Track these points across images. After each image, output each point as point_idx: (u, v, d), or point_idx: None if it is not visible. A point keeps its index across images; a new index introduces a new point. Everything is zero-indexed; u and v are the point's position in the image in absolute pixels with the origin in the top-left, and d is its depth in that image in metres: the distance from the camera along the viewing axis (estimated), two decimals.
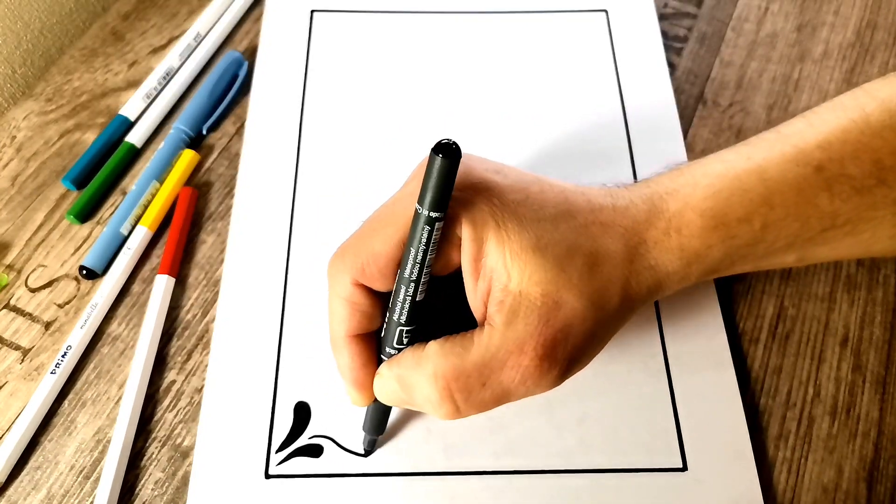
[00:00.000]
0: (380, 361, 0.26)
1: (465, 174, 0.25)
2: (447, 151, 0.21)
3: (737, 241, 0.26)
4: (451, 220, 0.24)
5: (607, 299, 0.25)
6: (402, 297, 0.24)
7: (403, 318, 0.24)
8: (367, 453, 0.30)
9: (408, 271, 0.23)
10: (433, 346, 0.24)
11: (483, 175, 0.25)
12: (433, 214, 0.22)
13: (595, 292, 0.24)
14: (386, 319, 0.25)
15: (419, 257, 0.23)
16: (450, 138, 0.21)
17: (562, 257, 0.24)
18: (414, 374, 0.24)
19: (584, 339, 0.24)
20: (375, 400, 0.27)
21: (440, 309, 0.26)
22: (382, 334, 0.26)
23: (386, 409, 0.28)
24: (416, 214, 0.23)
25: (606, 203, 0.26)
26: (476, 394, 0.24)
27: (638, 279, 0.26)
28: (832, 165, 0.26)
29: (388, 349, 0.25)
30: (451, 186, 0.22)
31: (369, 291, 0.25)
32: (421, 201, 0.22)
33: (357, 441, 0.30)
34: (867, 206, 0.26)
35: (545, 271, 0.24)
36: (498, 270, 0.24)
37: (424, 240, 0.23)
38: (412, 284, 0.24)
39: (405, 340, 0.25)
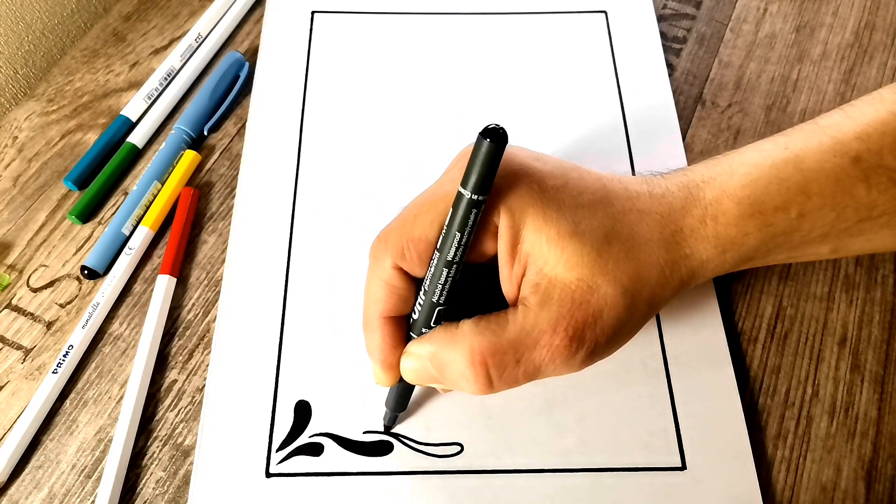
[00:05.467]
0: (407, 342, 0.27)
1: (506, 161, 0.25)
2: (494, 136, 0.22)
3: (773, 230, 0.26)
4: (488, 208, 0.25)
5: (640, 287, 0.25)
6: (443, 278, 0.24)
7: (443, 299, 0.25)
8: (387, 429, 0.30)
9: (451, 254, 0.24)
10: (468, 324, 0.25)
11: (523, 161, 0.26)
12: (477, 197, 0.23)
13: (629, 279, 0.25)
14: (420, 303, 0.26)
15: (464, 240, 0.24)
16: (497, 123, 0.22)
17: (599, 243, 0.25)
18: (448, 351, 0.25)
19: (613, 324, 0.25)
20: (401, 379, 0.27)
21: (468, 292, 0.26)
22: (415, 316, 0.26)
23: (410, 388, 0.29)
24: (459, 197, 0.23)
25: (643, 190, 0.27)
26: (510, 370, 0.25)
27: (672, 268, 0.26)
28: (870, 156, 0.26)
29: (421, 329, 0.26)
30: (495, 170, 0.22)
31: (407, 275, 0.26)
32: (465, 184, 0.23)
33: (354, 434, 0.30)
34: None
35: (581, 256, 0.24)
36: (534, 255, 0.25)
37: (471, 222, 0.23)
38: (454, 266, 0.24)
39: (440, 321, 0.26)
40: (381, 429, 0.30)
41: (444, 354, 0.25)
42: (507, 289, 0.26)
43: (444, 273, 0.24)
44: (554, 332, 0.24)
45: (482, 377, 0.25)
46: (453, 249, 0.24)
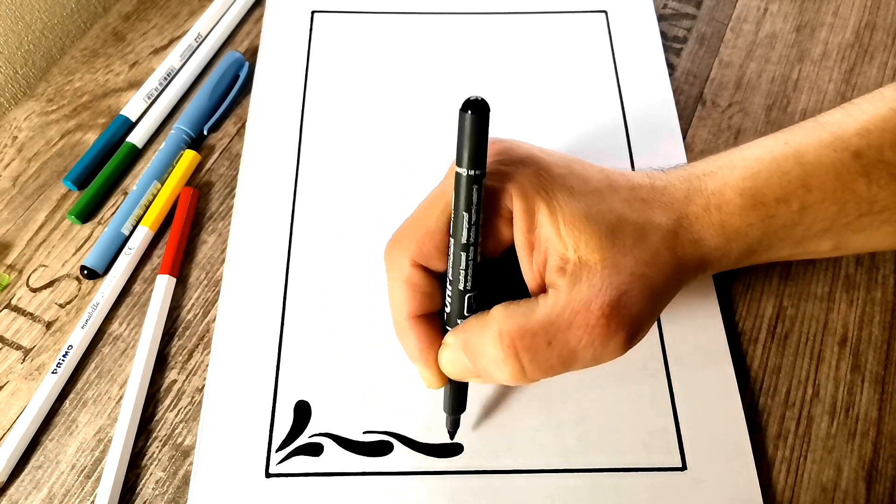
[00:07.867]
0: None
1: (511, 150, 0.25)
2: (475, 107, 0.22)
3: (775, 222, 0.26)
4: (500, 194, 0.25)
5: (660, 266, 0.25)
6: (463, 263, 0.24)
7: (469, 284, 0.25)
8: (451, 434, 0.30)
9: (464, 236, 0.24)
10: (497, 308, 0.25)
11: (529, 151, 0.26)
12: (474, 172, 0.23)
13: (649, 259, 0.25)
14: (449, 294, 0.25)
15: (473, 219, 0.23)
16: (477, 95, 0.22)
17: (613, 226, 0.25)
18: (479, 337, 0.25)
19: (646, 302, 0.25)
20: (450, 380, 0.27)
21: (503, 284, 0.26)
22: (447, 310, 0.26)
23: (462, 387, 0.28)
24: (458, 177, 0.23)
25: (645, 182, 0.27)
26: (542, 353, 0.24)
27: (685, 251, 0.26)
28: (870, 152, 0.26)
29: (456, 320, 0.26)
30: (485, 141, 0.22)
31: (427, 271, 0.26)
32: (459, 162, 0.23)
33: (352, 434, 0.30)
34: None
35: (600, 238, 0.24)
36: (553, 240, 0.24)
37: (475, 199, 0.23)
38: (471, 248, 0.24)
39: (473, 307, 0.25)
40: (380, 429, 0.30)
41: (475, 341, 0.25)
42: (530, 278, 0.26)
43: (463, 257, 0.24)
44: (588, 311, 0.24)
45: (512, 360, 0.24)
46: (465, 231, 0.24)
